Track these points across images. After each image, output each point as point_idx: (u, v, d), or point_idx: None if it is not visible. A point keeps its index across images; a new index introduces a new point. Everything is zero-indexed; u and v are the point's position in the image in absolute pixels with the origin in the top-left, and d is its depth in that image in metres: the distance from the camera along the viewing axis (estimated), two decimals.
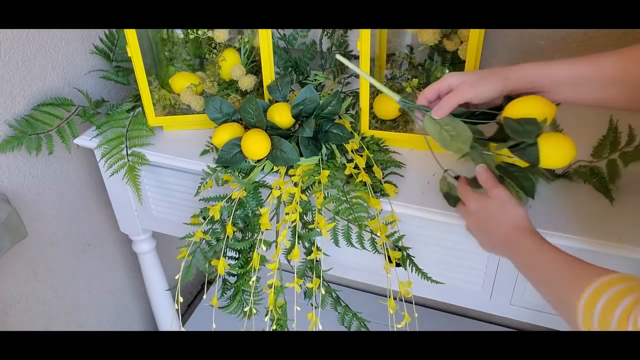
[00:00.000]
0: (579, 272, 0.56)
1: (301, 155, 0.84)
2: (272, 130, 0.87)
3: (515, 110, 0.69)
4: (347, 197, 0.80)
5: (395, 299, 0.78)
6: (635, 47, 0.62)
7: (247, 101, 0.85)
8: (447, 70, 0.93)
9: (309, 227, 0.81)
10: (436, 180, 0.84)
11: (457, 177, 0.77)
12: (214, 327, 0.82)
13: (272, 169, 0.87)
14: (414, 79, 0.90)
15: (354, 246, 0.83)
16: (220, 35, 0.93)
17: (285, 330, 0.85)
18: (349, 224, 0.81)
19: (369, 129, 0.91)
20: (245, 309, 0.84)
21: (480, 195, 0.71)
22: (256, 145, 0.84)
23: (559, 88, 0.67)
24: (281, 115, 0.87)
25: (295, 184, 0.83)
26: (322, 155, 0.85)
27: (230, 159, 0.86)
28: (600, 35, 0.97)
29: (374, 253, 0.82)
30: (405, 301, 0.79)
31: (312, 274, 0.82)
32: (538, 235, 0.65)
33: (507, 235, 0.66)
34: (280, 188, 0.83)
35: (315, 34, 1.12)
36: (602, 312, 0.48)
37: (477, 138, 0.72)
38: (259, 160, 0.87)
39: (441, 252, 0.86)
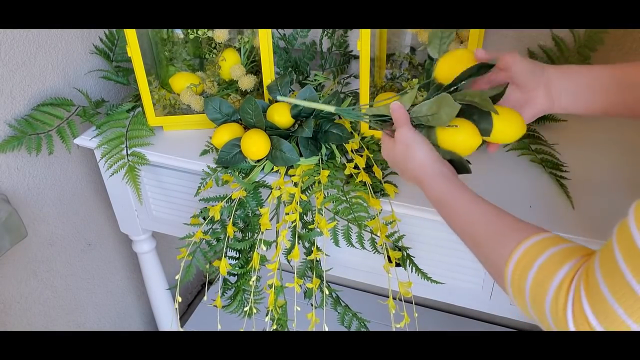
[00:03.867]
0: (509, 226, 0.53)
1: (301, 155, 0.84)
2: (272, 130, 0.87)
3: (446, 69, 0.67)
4: (347, 197, 0.80)
5: (395, 299, 0.78)
6: None
7: (246, 101, 0.85)
8: None
9: (309, 227, 0.81)
10: None
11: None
12: (219, 328, 0.82)
13: (272, 169, 0.87)
14: (414, 79, 0.90)
15: (354, 246, 0.83)
16: (220, 35, 0.93)
17: (286, 330, 0.85)
18: (349, 223, 0.81)
19: (369, 128, 0.91)
20: (246, 309, 0.84)
21: (389, 138, 0.67)
22: (255, 145, 0.84)
23: (601, 92, 0.64)
24: (280, 115, 0.87)
25: (295, 184, 0.83)
26: (322, 155, 0.85)
27: (230, 160, 0.86)
28: (600, 35, 0.97)
29: (374, 253, 0.82)
30: (405, 301, 0.79)
31: (312, 274, 0.82)
32: (450, 181, 0.60)
33: (418, 181, 0.63)
34: (280, 188, 0.83)
35: (315, 34, 1.12)
36: (535, 283, 0.46)
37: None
38: (259, 160, 0.87)
39: (441, 252, 0.86)
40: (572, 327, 0.43)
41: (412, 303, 0.78)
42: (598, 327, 0.41)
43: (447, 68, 0.68)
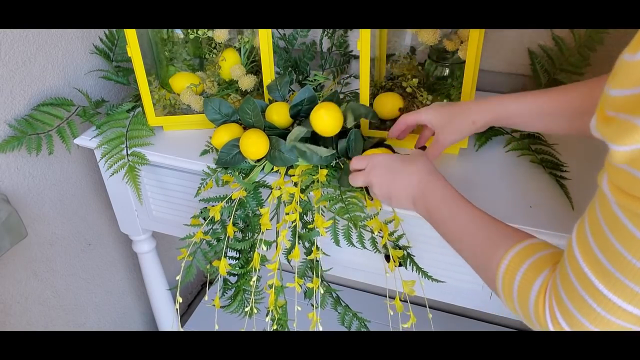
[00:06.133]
0: (497, 235, 0.57)
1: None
2: (271, 130, 0.87)
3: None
4: (343, 196, 0.80)
5: (395, 298, 0.78)
6: (591, 81, 0.67)
7: (245, 102, 0.85)
8: (447, 71, 0.93)
9: (309, 227, 0.81)
10: None
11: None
12: (216, 328, 0.82)
13: (272, 169, 0.87)
14: (414, 79, 0.90)
15: (354, 246, 0.83)
16: (220, 35, 0.93)
17: (286, 330, 0.85)
18: (349, 223, 0.81)
19: (369, 129, 0.91)
20: (246, 309, 0.84)
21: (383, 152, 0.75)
22: (254, 145, 0.84)
23: (526, 120, 0.72)
24: (279, 115, 0.87)
25: (295, 184, 0.83)
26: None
27: (229, 160, 0.86)
28: (600, 35, 0.97)
29: (375, 252, 0.82)
30: (403, 301, 0.79)
31: (313, 274, 0.82)
32: (449, 185, 0.65)
33: (420, 182, 0.67)
34: (280, 188, 0.83)
35: (315, 34, 1.12)
36: (520, 289, 0.51)
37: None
38: (259, 160, 0.87)
39: (441, 252, 0.86)
40: (550, 327, 0.48)
41: (415, 304, 0.78)
42: (569, 330, 0.46)
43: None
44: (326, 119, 0.81)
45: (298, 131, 0.82)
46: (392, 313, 0.77)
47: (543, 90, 0.71)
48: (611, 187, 0.40)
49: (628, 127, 0.35)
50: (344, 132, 0.83)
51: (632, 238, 0.39)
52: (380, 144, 0.85)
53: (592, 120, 0.40)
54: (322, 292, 0.81)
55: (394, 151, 0.83)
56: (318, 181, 0.82)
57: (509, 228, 0.58)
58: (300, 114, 0.87)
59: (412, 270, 0.80)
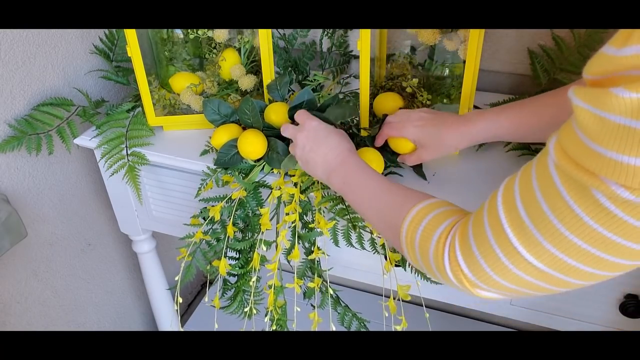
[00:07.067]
0: (403, 196, 0.60)
1: None
2: (269, 130, 0.87)
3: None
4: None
5: (395, 298, 0.78)
6: (562, 89, 0.69)
7: (243, 102, 0.85)
8: (447, 71, 0.93)
9: (310, 226, 0.81)
10: (437, 179, 0.85)
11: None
12: (216, 327, 0.82)
13: (272, 169, 0.87)
14: (413, 79, 0.90)
15: (353, 246, 0.83)
16: (220, 35, 0.93)
17: (285, 330, 0.85)
18: (349, 224, 0.81)
19: (370, 127, 0.91)
20: (246, 309, 0.84)
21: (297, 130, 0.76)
22: (252, 145, 0.84)
23: (509, 135, 0.75)
24: (277, 115, 0.87)
25: (295, 184, 0.83)
26: None
27: (228, 160, 0.86)
28: (600, 35, 0.97)
29: (374, 253, 0.82)
30: (405, 301, 0.79)
31: (313, 274, 0.82)
32: (362, 161, 0.69)
33: (337, 156, 0.70)
34: (280, 188, 0.83)
35: (315, 34, 1.12)
36: (422, 238, 0.53)
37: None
38: (259, 160, 0.87)
39: None
40: (449, 272, 0.50)
41: (415, 304, 0.78)
42: (468, 274, 0.48)
43: None
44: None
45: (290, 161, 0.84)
46: (386, 315, 0.77)
47: (522, 105, 0.73)
48: (556, 147, 0.40)
49: (602, 93, 0.35)
50: None
51: (560, 200, 0.39)
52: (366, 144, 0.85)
53: (569, 91, 0.39)
54: (331, 293, 0.81)
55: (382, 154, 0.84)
56: (318, 182, 0.82)
57: (415, 191, 0.61)
58: None
59: (411, 272, 0.80)
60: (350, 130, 0.88)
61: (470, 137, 0.76)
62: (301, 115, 0.77)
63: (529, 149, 0.89)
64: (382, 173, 0.84)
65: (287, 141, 0.86)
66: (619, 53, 0.35)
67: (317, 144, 0.72)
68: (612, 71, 0.35)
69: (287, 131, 0.78)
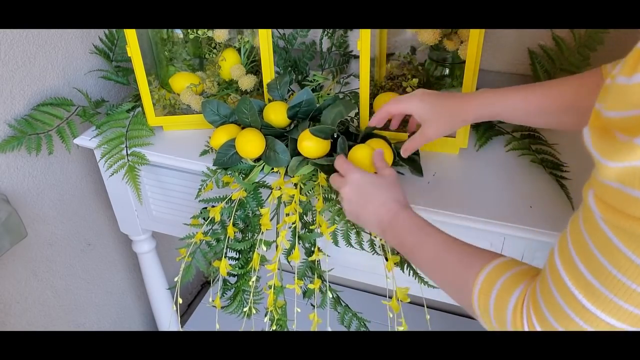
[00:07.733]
0: (467, 255, 0.58)
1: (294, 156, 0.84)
2: (268, 129, 0.87)
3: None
4: None
5: (393, 299, 0.78)
6: (587, 74, 0.66)
7: (241, 101, 0.85)
8: (447, 71, 0.93)
9: (310, 227, 0.81)
10: (437, 179, 0.85)
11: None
12: (217, 328, 0.82)
13: (272, 169, 0.87)
14: (413, 79, 0.90)
15: (353, 247, 0.83)
16: (220, 35, 0.93)
17: (285, 330, 0.85)
18: (348, 225, 0.81)
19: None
20: (245, 309, 0.84)
21: (365, 171, 0.73)
22: (249, 143, 0.84)
23: (515, 116, 0.72)
24: (276, 114, 0.87)
25: (295, 185, 0.83)
26: None
27: (227, 161, 0.86)
28: (600, 35, 0.97)
29: (373, 254, 0.82)
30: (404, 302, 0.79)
31: (313, 274, 0.82)
32: (416, 215, 0.67)
33: (387, 213, 0.68)
34: (280, 188, 0.83)
35: (315, 34, 1.12)
36: (496, 307, 0.51)
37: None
38: (258, 160, 0.87)
39: None
40: None
41: (416, 304, 0.78)
42: None
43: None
44: (312, 145, 0.82)
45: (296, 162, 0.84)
46: (391, 315, 0.77)
47: (533, 87, 0.70)
48: (597, 202, 0.40)
49: (628, 146, 0.35)
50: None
51: (618, 253, 0.39)
52: (370, 135, 0.84)
53: (584, 135, 0.40)
54: (331, 294, 0.81)
55: (389, 143, 0.83)
56: (319, 185, 0.82)
57: (478, 249, 0.58)
58: (298, 115, 0.87)
59: (409, 274, 0.80)
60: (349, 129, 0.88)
61: (477, 109, 0.72)
62: (341, 164, 0.75)
63: (529, 149, 0.89)
64: None
65: (285, 140, 0.86)
66: (630, 81, 0.35)
67: (365, 199, 0.70)
68: (627, 106, 0.36)
69: (334, 184, 0.75)
